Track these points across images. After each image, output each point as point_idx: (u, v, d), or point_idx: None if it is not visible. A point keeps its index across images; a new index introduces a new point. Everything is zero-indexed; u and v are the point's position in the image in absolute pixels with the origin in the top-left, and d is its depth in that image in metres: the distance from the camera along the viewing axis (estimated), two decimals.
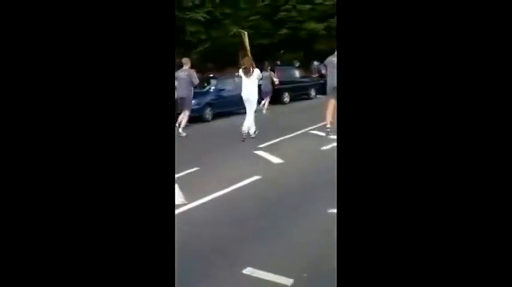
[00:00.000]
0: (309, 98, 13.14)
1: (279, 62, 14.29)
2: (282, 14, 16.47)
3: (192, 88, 7.64)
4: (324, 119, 6.48)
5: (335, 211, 3.16)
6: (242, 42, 7.00)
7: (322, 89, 14.42)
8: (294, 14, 16.49)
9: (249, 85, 6.44)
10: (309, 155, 5.40)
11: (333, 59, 6.25)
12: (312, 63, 15.07)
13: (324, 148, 5.68)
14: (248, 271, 2.41)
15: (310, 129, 7.11)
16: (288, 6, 16.26)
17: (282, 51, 15.60)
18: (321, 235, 2.85)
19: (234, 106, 9.21)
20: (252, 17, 15.84)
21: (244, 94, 6.52)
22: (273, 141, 6.26)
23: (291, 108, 11.20)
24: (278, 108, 10.85)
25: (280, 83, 11.31)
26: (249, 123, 6.44)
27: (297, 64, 14.74)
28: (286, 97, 12.12)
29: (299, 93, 12.98)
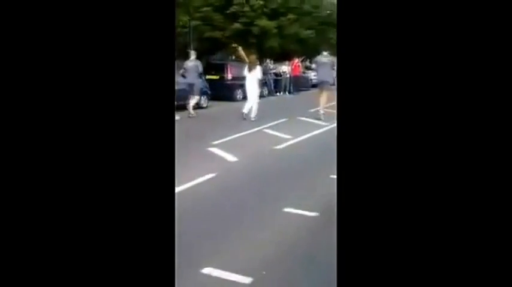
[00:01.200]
0: (262, 95, 13.25)
1: (233, 57, 14.25)
2: (235, 7, 16.43)
3: (199, 75, 9.39)
4: (317, 105, 8.53)
5: (291, 210, 3.32)
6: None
7: (277, 88, 14.63)
8: (246, 9, 16.53)
9: (252, 78, 8.45)
10: (263, 154, 5.52)
11: (321, 58, 8.68)
12: (265, 60, 15.24)
13: (277, 147, 5.84)
14: (207, 270, 2.44)
15: (264, 128, 7.24)
16: (240, 1, 16.26)
17: (235, 46, 15.70)
18: (277, 233, 2.97)
19: (187, 99, 8.98)
20: (204, 8, 15.61)
21: (248, 85, 8.56)
22: (226, 139, 6.31)
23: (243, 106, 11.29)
24: (231, 105, 10.85)
25: (233, 79, 11.33)
26: (249, 107, 8.29)
27: None
28: (239, 94, 12.12)
29: None
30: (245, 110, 8.27)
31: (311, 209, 3.36)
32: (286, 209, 3.39)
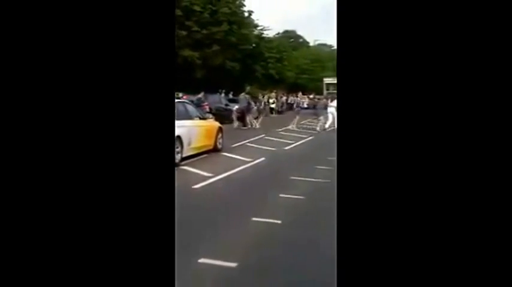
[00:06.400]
0: None
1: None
2: None
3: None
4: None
5: (204, 261, 3.05)
6: None
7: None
8: None
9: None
10: (179, 194, 5.18)
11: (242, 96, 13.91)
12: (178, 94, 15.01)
13: (196, 186, 5.59)
14: None
15: (182, 165, 6.95)
16: None
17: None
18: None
19: None
20: None
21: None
22: None
23: None
24: None
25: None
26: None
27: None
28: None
29: None
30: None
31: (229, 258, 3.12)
32: (201, 261, 3.10)
